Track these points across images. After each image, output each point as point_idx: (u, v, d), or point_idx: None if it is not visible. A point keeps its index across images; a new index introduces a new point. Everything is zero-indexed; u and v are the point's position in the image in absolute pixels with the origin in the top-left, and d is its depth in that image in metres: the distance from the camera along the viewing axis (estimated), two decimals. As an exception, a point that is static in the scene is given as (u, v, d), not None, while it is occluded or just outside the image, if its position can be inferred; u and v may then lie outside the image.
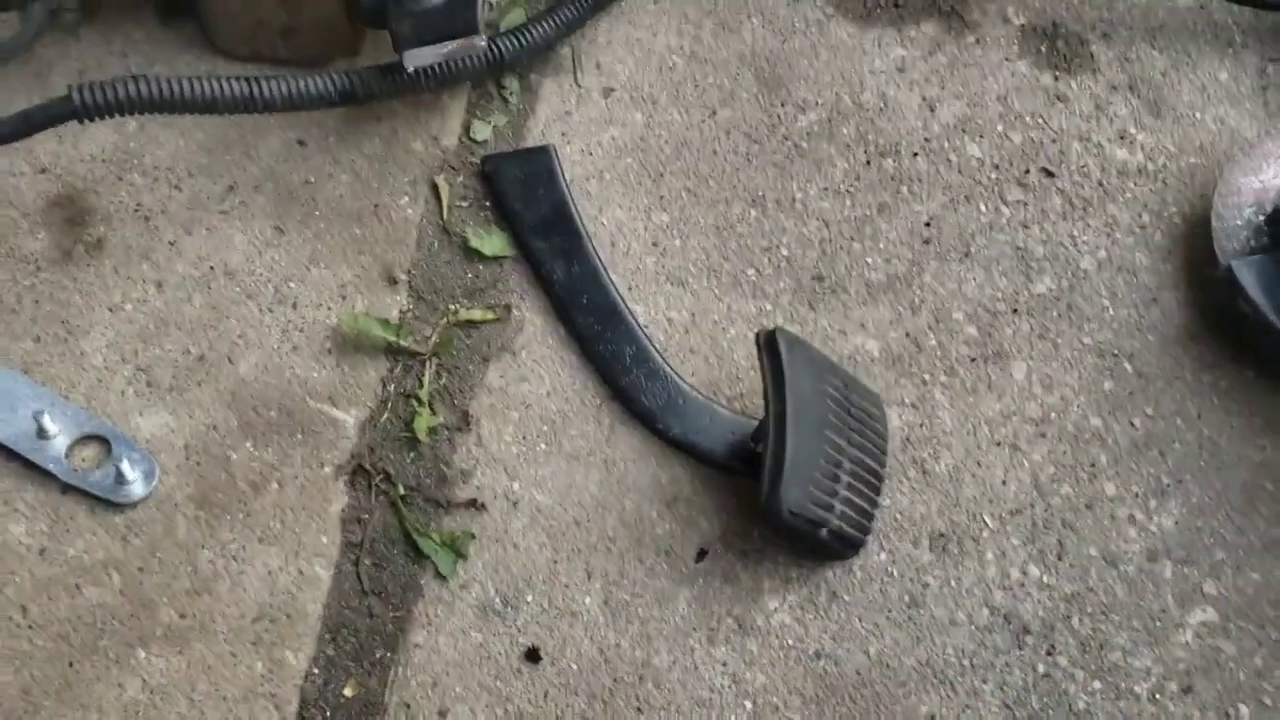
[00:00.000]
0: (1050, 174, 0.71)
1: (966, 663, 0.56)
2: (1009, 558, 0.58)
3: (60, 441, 0.57)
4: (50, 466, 0.56)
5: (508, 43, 0.68)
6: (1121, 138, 0.72)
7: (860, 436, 0.57)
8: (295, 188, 0.66)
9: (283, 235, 0.64)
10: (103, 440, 0.57)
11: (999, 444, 0.61)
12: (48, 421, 0.56)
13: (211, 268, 0.63)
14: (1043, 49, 0.76)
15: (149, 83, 0.58)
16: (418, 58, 0.61)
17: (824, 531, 0.54)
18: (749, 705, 0.54)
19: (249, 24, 0.66)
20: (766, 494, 0.54)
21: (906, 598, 0.57)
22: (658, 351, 0.62)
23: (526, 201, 0.66)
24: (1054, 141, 0.72)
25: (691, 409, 0.60)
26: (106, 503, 0.56)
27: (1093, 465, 0.61)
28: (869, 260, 0.66)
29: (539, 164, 0.67)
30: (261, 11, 0.65)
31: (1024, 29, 0.77)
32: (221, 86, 0.59)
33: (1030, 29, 0.77)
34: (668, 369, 0.61)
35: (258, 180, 0.66)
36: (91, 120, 0.57)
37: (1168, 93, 0.74)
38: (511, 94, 0.71)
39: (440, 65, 0.64)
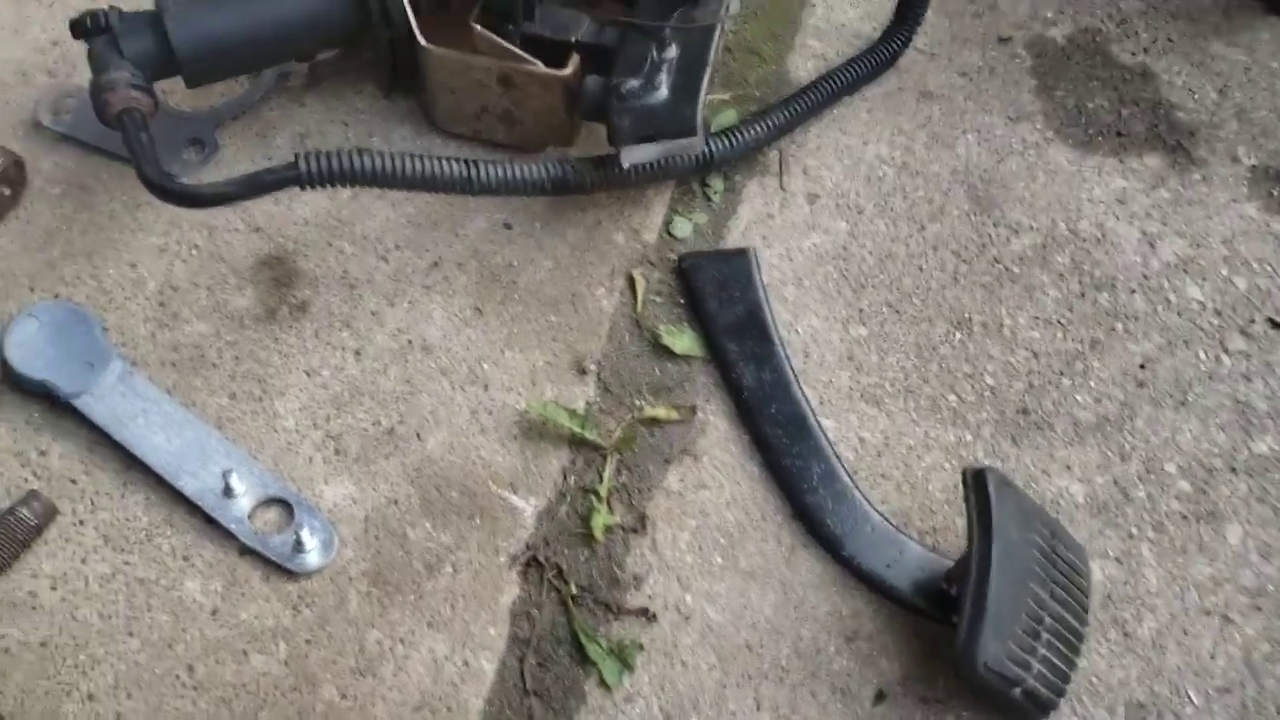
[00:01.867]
0: (1277, 325, 0.66)
1: None
2: (1215, 741, 0.54)
3: (244, 502, 0.57)
4: (232, 526, 0.56)
5: (719, 144, 0.67)
6: (1359, 293, 0.67)
7: (1064, 591, 0.53)
8: (497, 269, 0.66)
9: (481, 315, 0.64)
10: (286, 505, 0.57)
11: (1208, 613, 0.57)
12: (235, 480, 0.57)
13: (410, 341, 0.63)
14: (1274, 193, 0.72)
15: (372, 157, 0.58)
16: (635, 154, 0.61)
17: (1018, 691, 0.51)
18: None
19: (472, 108, 0.67)
20: (962, 643, 0.50)
21: (1095, 770, 0.53)
22: (847, 472, 0.59)
23: (721, 302, 0.64)
24: (1285, 290, 0.68)
25: (880, 539, 0.57)
26: (282, 569, 0.56)
27: (1313, 647, 0.56)
28: (1078, 398, 0.63)
29: (737, 266, 0.66)
30: (486, 98, 0.66)
31: (1254, 170, 0.73)
32: (440, 166, 0.60)
33: (1261, 170, 0.73)
34: (857, 492, 0.58)
35: (462, 258, 0.66)
36: (313, 188, 0.58)
37: None
38: (715, 193, 0.70)
39: (656, 163, 0.64)
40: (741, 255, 0.66)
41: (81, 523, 0.57)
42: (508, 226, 0.67)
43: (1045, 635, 0.52)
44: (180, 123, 0.69)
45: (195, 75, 0.64)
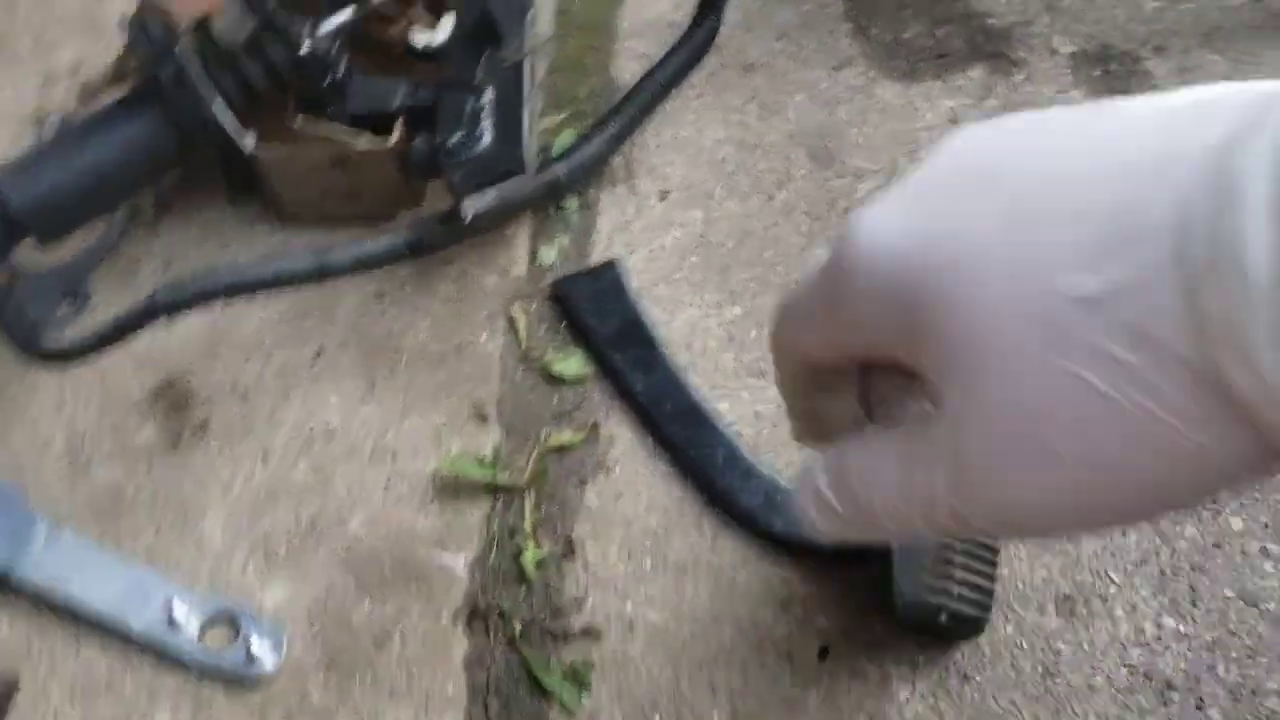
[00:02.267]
0: (1123, 201, 0.69)
1: (1112, 728, 0.54)
2: (1140, 611, 0.56)
3: (191, 626, 0.59)
4: (185, 654, 0.58)
5: (561, 168, 0.69)
6: (1192, 151, 0.70)
7: None
8: (379, 341, 0.68)
9: (373, 390, 0.66)
10: (231, 617, 0.59)
11: (1112, 492, 0.60)
12: (177, 608, 0.58)
13: (311, 430, 0.65)
14: (1096, 74, 0.75)
15: (226, 273, 0.60)
16: (474, 204, 0.63)
17: (943, 616, 0.53)
18: (894, 802, 0.54)
19: (314, 194, 0.69)
20: (880, 587, 0.53)
21: (1040, 668, 0.56)
22: (747, 451, 0.62)
23: (599, 317, 0.67)
24: (1122, 167, 0.70)
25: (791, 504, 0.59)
26: (242, 681, 0.58)
27: (1214, 502, 0.59)
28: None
29: (606, 280, 0.68)
30: (324, 182, 0.68)
31: (1074, 56, 0.76)
32: (293, 263, 0.62)
33: (1081, 55, 0.76)
34: (761, 467, 0.61)
35: (342, 339, 0.68)
36: (178, 314, 0.60)
37: (1234, 96, 0.72)
38: (572, 213, 0.72)
39: (501, 206, 0.66)
40: (608, 268, 0.69)
41: (45, 686, 0.59)
42: (379, 297, 0.69)
43: (959, 558, 0.55)
44: (51, 279, 0.71)
45: (45, 234, 0.66)
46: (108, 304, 0.71)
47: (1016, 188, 0.29)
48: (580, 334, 0.67)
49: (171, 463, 0.65)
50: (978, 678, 0.56)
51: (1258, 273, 0.24)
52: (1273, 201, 0.24)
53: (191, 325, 0.69)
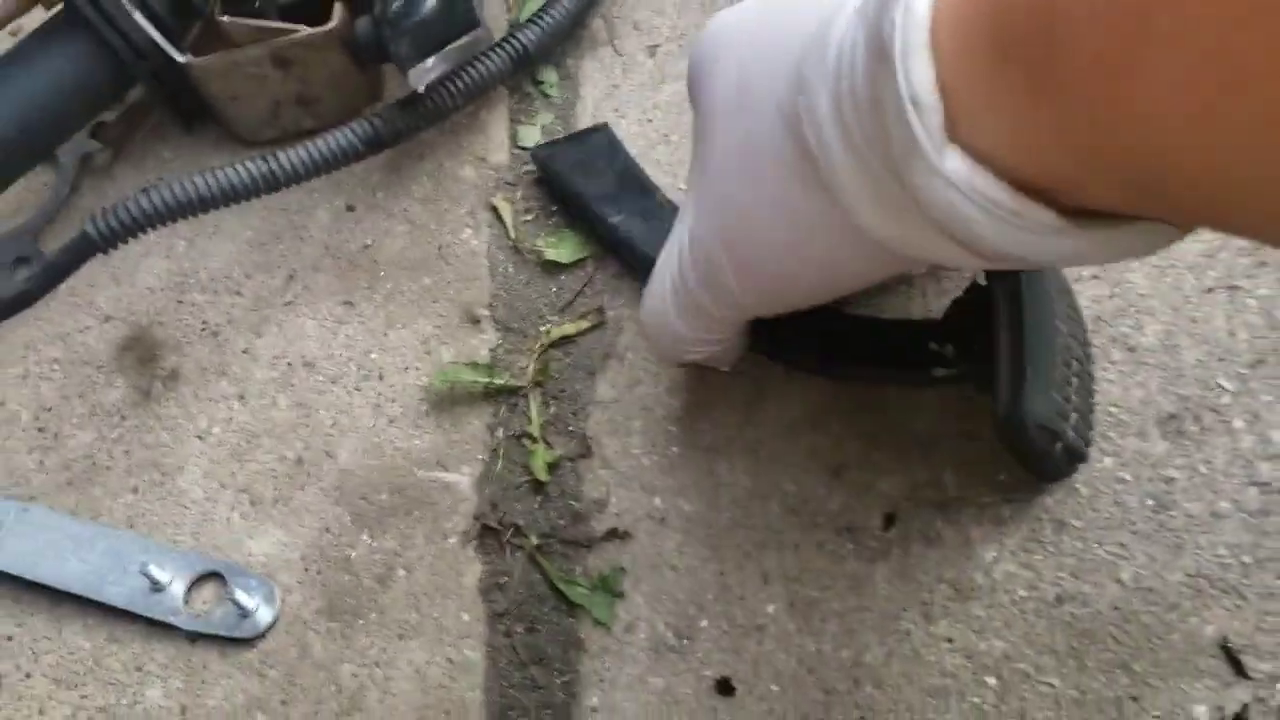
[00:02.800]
0: None
1: (1248, 559, 0.44)
2: (1263, 419, 0.47)
3: (175, 589, 0.52)
4: (170, 619, 0.52)
5: (528, 33, 0.61)
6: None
7: (1075, 323, 0.47)
8: (354, 255, 0.61)
9: (353, 308, 0.59)
10: (217, 576, 0.53)
11: (1210, 290, 0.50)
12: (155, 572, 0.52)
13: (289, 364, 0.58)
14: None
15: (159, 191, 0.54)
16: (423, 73, 0.55)
17: (1059, 446, 0.44)
18: (993, 681, 0.45)
19: (265, 106, 0.62)
20: (1006, 405, 0.42)
21: (1150, 503, 0.46)
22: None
23: (589, 178, 0.58)
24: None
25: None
26: (236, 640, 0.51)
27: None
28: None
29: (596, 143, 0.59)
30: (272, 89, 0.61)
31: None
32: (236, 172, 0.55)
33: None
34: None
35: (315, 260, 0.61)
36: (116, 247, 0.54)
37: None
38: (550, 86, 0.64)
39: (461, 78, 0.58)
40: (598, 131, 0.60)
41: (28, 675, 0.53)
42: (351, 209, 0.62)
43: (1073, 377, 0.45)
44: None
45: (-23, 189, 0.60)
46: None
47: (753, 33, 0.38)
48: (567, 200, 0.59)
49: (144, 418, 0.58)
50: (1076, 523, 0.46)
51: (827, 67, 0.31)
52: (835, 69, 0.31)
53: (154, 269, 0.62)
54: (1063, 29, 0.23)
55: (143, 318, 0.61)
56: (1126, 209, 0.27)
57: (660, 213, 0.56)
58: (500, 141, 0.63)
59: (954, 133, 0.28)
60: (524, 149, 0.62)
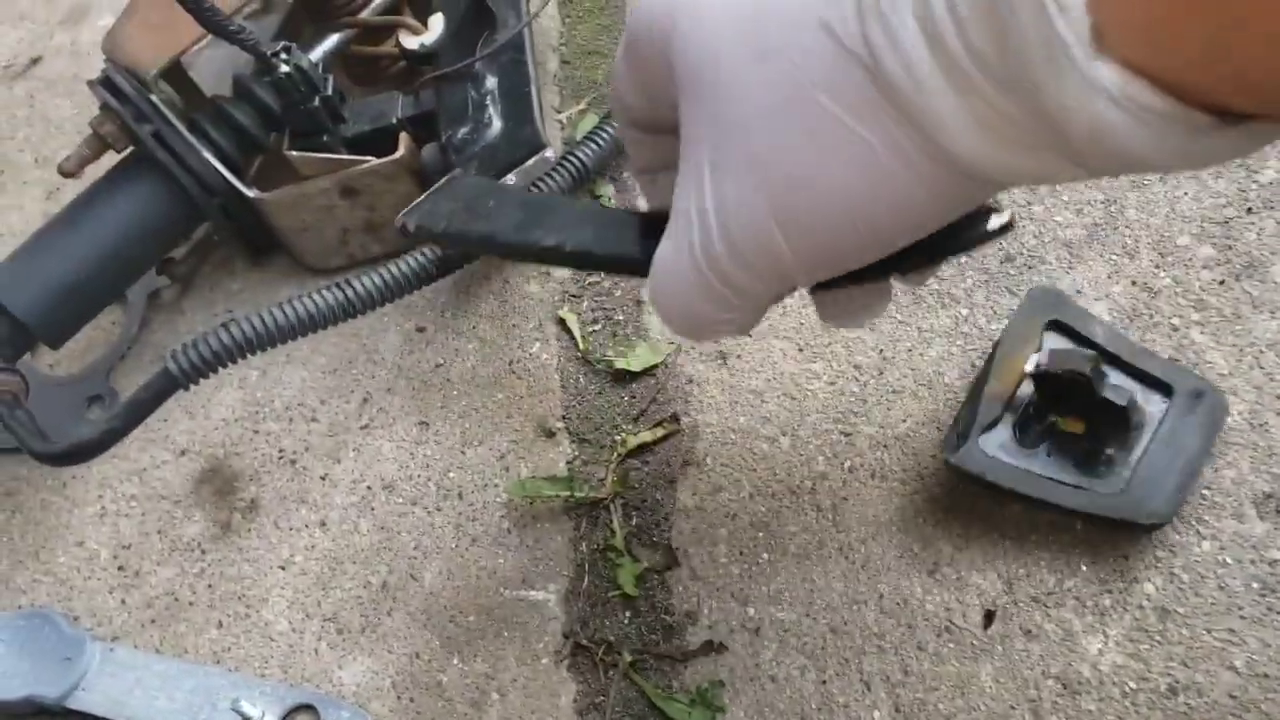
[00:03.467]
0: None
1: (1366, 640, 0.44)
2: (1366, 495, 0.46)
3: (269, 723, 0.52)
4: (264, 754, 0.51)
5: (586, 151, 0.62)
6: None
7: None
8: (427, 376, 0.61)
9: (428, 428, 0.59)
10: (310, 708, 0.52)
11: (1295, 366, 0.50)
12: (247, 708, 0.52)
13: (369, 488, 0.58)
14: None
15: (238, 325, 0.54)
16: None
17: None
18: (1112, 779, 0.44)
19: (333, 235, 0.63)
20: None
21: (1256, 585, 0.45)
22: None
23: (486, 219, 0.46)
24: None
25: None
26: (331, 773, 0.50)
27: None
28: (1058, 219, 0.56)
29: (466, 187, 0.46)
30: (340, 218, 0.62)
31: None
32: (313, 302, 0.55)
33: None
34: (872, 420, 0.52)
35: (389, 383, 0.61)
36: (198, 382, 0.54)
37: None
38: (608, 200, 0.65)
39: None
40: (456, 179, 0.49)
41: (122, 822, 0.52)
42: (421, 330, 0.63)
43: None
44: (71, 389, 0.66)
45: (52, 335, 0.61)
46: (141, 400, 0.66)
47: None
48: (482, 248, 0.51)
49: (225, 551, 0.58)
50: (1180, 610, 0.46)
51: None
52: None
53: (227, 400, 0.63)
54: None
55: (219, 450, 0.62)
56: (1253, 110, 0.26)
57: (595, 212, 0.48)
58: (563, 256, 0.63)
59: (1100, 41, 0.26)
60: (586, 262, 0.63)
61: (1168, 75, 0.26)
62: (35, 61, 0.85)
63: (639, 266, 0.45)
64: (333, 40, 0.65)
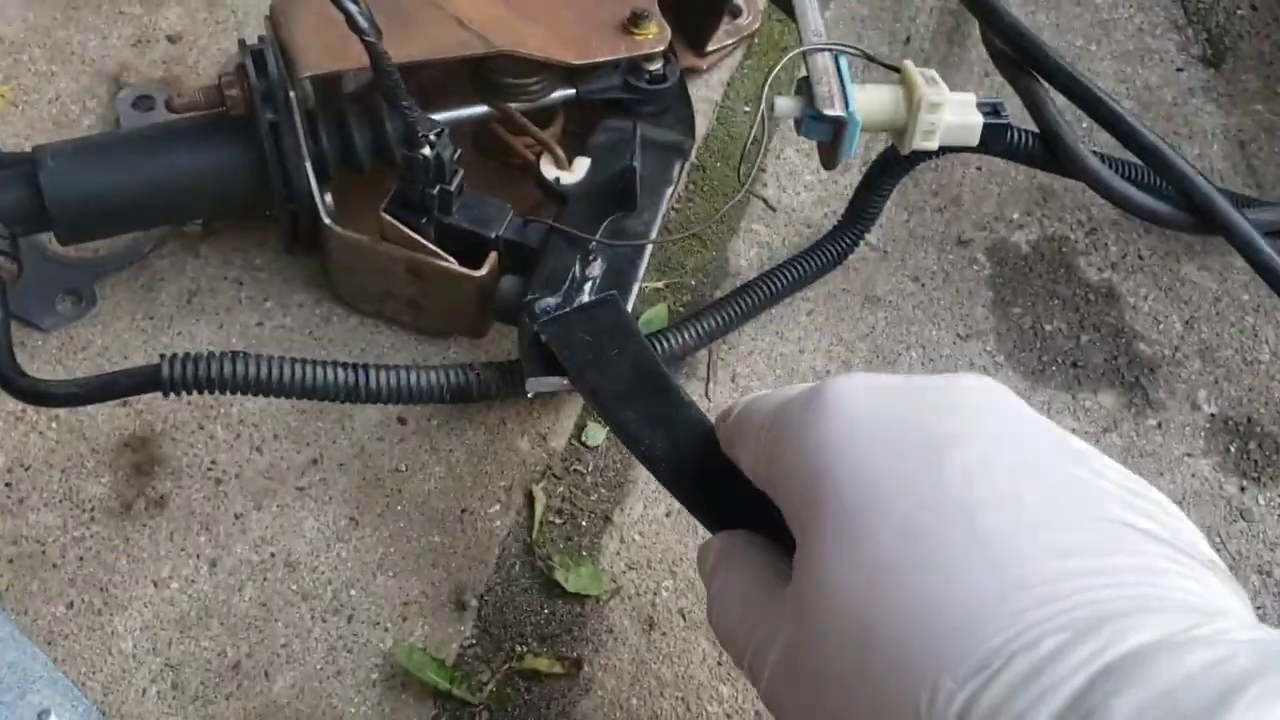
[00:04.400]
0: (1218, 608, 0.61)
1: None
2: None
3: (61, 745, 0.51)
4: (41, 775, 0.50)
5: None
6: (1308, 576, 0.63)
7: None
8: (383, 473, 0.60)
9: (356, 528, 0.58)
10: (108, 750, 0.51)
11: None
12: (53, 722, 0.51)
13: (273, 554, 0.57)
14: (1232, 449, 0.68)
15: (247, 364, 0.53)
16: (542, 385, 0.55)
17: None
18: None
19: (376, 291, 0.61)
20: None
21: None
22: None
23: (598, 361, 0.53)
24: (1230, 568, 0.63)
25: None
26: (94, 829, 0.50)
27: None
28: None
29: (605, 315, 0.55)
30: (392, 284, 0.60)
31: (1213, 420, 0.68)
32: (325, 374, 0.54)
33: (1221, 421, 0.68)
34: None
35: (345, 457, 0.60)
36: (177, 394, 0.53)
37: (1371, 529, 0.65)
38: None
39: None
40: (605, 304, 0.56)
41: (-124, 747, 0.51)
42: (402, 422, 0.62)
43: None
44: (58, 270, 0.63)
45: (68, 235, 0.59)
46: (114, 316, 0.63)
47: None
48: (576, 384, 0.54)
49: (112, 532, 0.57)
50: None
51: None
52: None
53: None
54: None
55: (159, 422, 0.60)
56: None
57: (690, 420, 0.50)
58: (566, 427, 0.63)
59: None
60: (585, 445, 0.63)
61: None
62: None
63: (696, 511, 0.47)
64: (478, 110, 0.63)
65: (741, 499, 0.44)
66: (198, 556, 0.57)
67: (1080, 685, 0.29)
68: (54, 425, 0.59)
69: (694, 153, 0.74)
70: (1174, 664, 0.28)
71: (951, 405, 0.37)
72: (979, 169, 0.78)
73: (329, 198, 0.60)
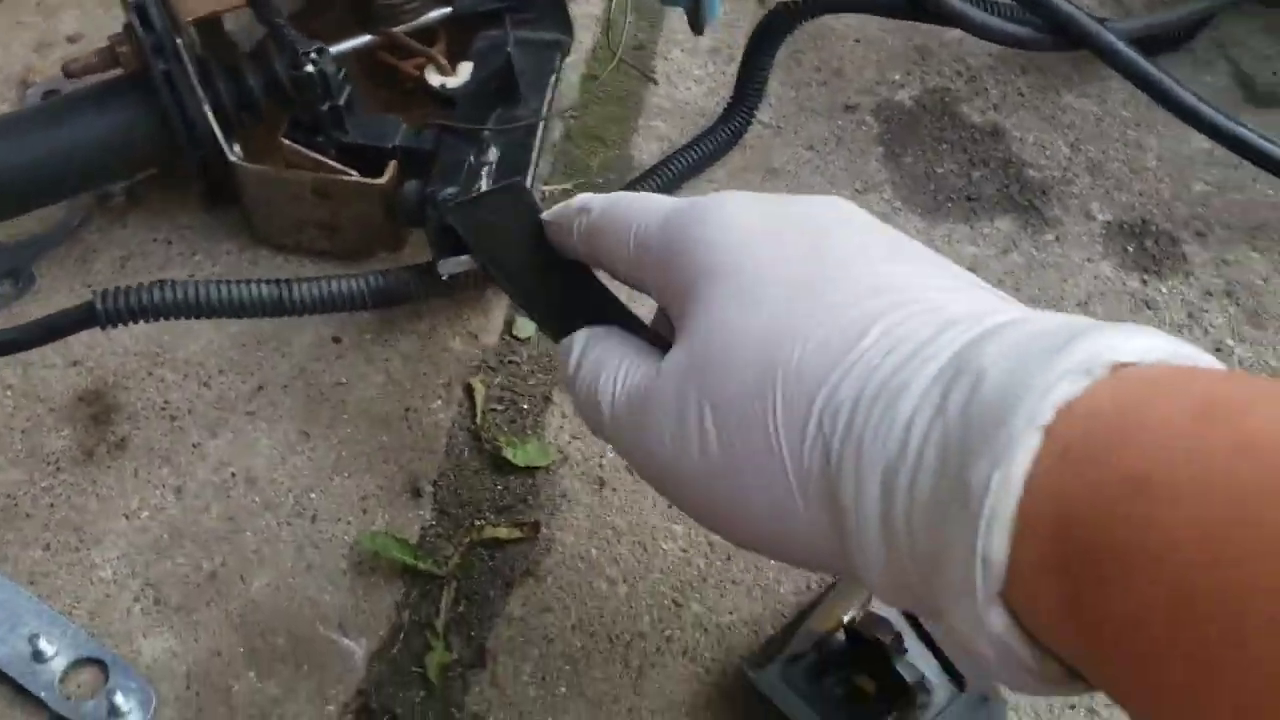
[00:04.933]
0: (1135, 389, 0.65)
1: None
2: None
3: (56, 664, 0.54)
4: (42, 694, 0.53)
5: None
6: (1217, 350, 0.66)
7: None
8: (325, 388, 0.63)
9: (308, 440, 0.61)
10: (101, 664, 0.54)
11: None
12: (44, 644, 0.53)
13: (233, 474, 0.60)
14: (1130, 249, 0.71)
15: (174, 288, 0.56)
16: (452, 265, 0.58)
17: None
18: None
19: (291, 221, 0.65)
20: None
21: None
22: (693, 586, 0.57)
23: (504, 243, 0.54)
24: (1139, 353, 0.66)
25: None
26: (97, 736, 0.53)
27: None
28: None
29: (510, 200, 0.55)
30: (304, 210, 0.63)
31: (1109, 226, 0.72)
32: (249, 291, 0.57)
33: (1116, 226, 0.72)
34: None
35: (288, 379, 0.63)
36: (115, 326, 0.56)
37: (1269, 300, 0.68)
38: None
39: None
40: (510, 190, 0.56)
41: (-118, 701, 0.53)
42: (337, 340, 0.65)
43: None
44: (-6, 252, 0.66)
45: (-5, 209, 0.62)
46: (53, 290, 0.67)
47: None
48: (482, 264, 0.56)
49: (79, 478, 0.60)
50: None
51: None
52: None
53: (134, 331, 0.64)
54: (1109, 603, 0.28)
55: (109, 375, 0.63)
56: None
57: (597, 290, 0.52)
58: (496, 325, 0.66)
59: (1003, 590, 0.30)
60: (515, 338, 0.66)
61: (1040, 633, 0.31)
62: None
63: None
64: (362, 40, 0.66)
65: (589, 298, 0.49)
66: (163, 486, 0.60)
67: (956, 348, 0.33)
68: (8, 393, 0.62)
69: (584, 63, 0.78)
70: (1033, 323, 0.34)
71: (819, 209, 0.42)
72: (857, 41, 0.81)
73: (237, 147, 0.63)
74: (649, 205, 0.46)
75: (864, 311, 0.36)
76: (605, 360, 0.44)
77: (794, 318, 0.37)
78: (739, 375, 0.38)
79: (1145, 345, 0.31)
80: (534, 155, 0.62)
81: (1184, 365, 0.31)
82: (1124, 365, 0.31)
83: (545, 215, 0.51)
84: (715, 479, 0.38)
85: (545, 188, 0.71)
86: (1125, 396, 0.30)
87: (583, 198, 0.49)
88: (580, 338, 0.46)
